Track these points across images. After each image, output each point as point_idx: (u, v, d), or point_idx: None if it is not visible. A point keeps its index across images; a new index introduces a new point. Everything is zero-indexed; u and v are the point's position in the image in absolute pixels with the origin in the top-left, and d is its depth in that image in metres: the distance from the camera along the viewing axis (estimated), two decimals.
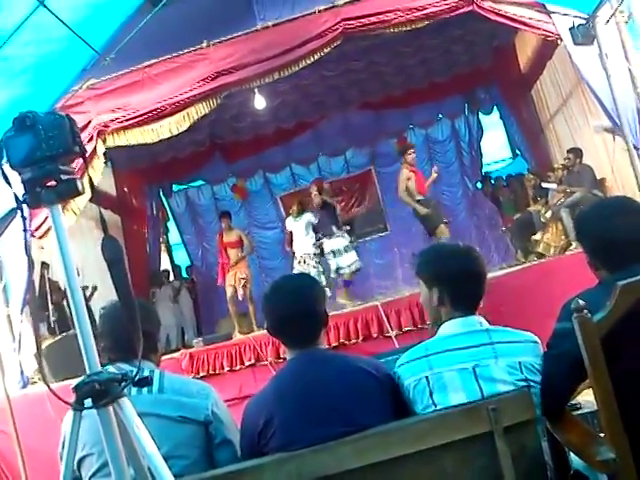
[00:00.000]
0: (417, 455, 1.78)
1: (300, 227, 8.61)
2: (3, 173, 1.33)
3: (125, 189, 11.13)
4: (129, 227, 10.68)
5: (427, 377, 1.94)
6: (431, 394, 1.92)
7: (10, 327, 6.94)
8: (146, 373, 2.03)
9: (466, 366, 1.91)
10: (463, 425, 1.79)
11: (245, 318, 8.61)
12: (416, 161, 8.29)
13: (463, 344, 1.94)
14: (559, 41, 6.59)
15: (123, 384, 1.37)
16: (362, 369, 1.99)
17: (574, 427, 1.87)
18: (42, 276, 8.12)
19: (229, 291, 8.65)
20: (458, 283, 2.01)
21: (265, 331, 6.86)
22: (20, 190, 1.35)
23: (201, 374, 6.53)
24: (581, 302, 1.53)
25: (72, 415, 1.37)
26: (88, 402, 1.36)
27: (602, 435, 1.78)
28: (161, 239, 12.46)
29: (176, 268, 12.12)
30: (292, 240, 8.76)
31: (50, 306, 8.01)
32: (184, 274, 11.78)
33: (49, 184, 1.36)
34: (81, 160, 1.48)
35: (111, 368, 1.97)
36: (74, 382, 1.39)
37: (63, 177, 1.35)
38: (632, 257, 1.79)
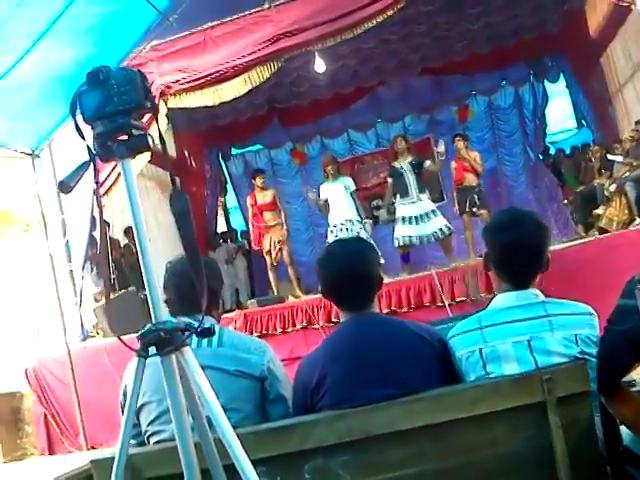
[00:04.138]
0: (468, 420, 1.79)
1: (338, 191, 7.90)
2: (77, 126, 1.37)
3: (185, 151, 11.31)
4: (188, 189, 10.85)
5: (481, 349, 1.93)
6: (484, 365, 1.92)
7: (72, 282, 7.21)
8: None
9: (521, 339, 1.88)
10: (516, 394, 1.78)
11: (290, 283, 8.37)
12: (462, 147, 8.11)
13: (518, 317, 1.91)
14: (632, 6, 6.30)
15: (187, 333, 1.42)
16: (415, 333, 2.00)
17: (629, 402, 1.85)
18: (104, 234, 8.38)
19: (268, 258, 8.29)
20: (504, 257, 1.96)
21: (317, 295, 6.87)
22: (92, 143, 1.39)
23: (254, 334, 6.68)
24: None
25: (136, 362, 1.43)
26: (152, 350, 1.41)
27: None
28: (219, 202, 12.63)
29: (232, 231, 12.30)
30: (328, 208, 7.95)
31: (111, 263, 8.28)
32: (239, 237, 11.95)
33: (120, 138, 1.39)
34: (150, 116, 1.51)
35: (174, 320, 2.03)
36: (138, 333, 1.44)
37: (135, 132, 1.38)
38: None
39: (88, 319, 7.41)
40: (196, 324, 1.48)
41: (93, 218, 7.39)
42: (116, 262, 8.43)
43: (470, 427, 1.80)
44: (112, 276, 8.16)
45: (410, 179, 7.62)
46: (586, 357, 1.86)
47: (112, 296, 7.37)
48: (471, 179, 8.07)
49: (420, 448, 1.82)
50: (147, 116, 1.49)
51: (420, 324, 2.15)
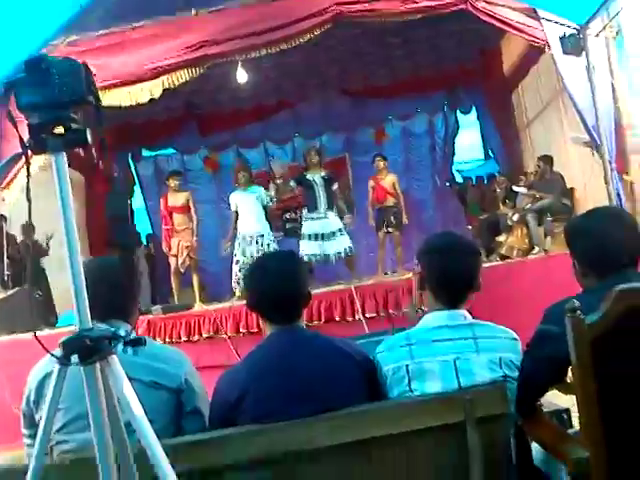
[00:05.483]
0: (390, 438, 1.78)
1: (249, 201, 7.86)
2: (9, 114, 1.28)
3: (92, 149, 10.83)
4: (93, 189, 10.42)
5: (407, 365, 1.95)
6: (409, 382, 1.94)
7: None
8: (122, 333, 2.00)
9: (447, 358, 1.92)
10: (438, 412, 1.80)
11: (192, 291, 8.16)
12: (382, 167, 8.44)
13: (446, 336, 1.95)
14: (547, 48, 6.65)
15: (114, 342, 1.34)
16: (341, 350, 1.99)
17: (545, 425, 1.92)
18: (0, 228, 7.95)
19: (172, 262, 8.08)
20: (442, 280, 2.02)
21: (224, 304, 6.77)
22: (25, 135, 1.30)
23: (157, 342, 6.48)
24: (576, 303, 1.56)
25: (57, 370, 1.34)
26: (75, 358, 1.33)
27: (569, 433, 1.84)
28: None
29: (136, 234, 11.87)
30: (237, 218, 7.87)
31: (5, 260, 7.86)
32: (143, 241, 11.55)
33: (57, 131, 1.31)
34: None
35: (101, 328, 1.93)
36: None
37: (73, 126, 1.30)
38: (623, 264, 1.85)
39: None
40: (115, 331, 1.41)
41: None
42: (11, 258, 7.99)
43: (392, 444, 1.80)
44: (6, 273, 7.76)
45: (320, 193, 7.71)
46: (508, 380, 1.92)
47: (4, 294, 6.98)
48: (390, 200, 8.36)
49: (340, 465, 1.80)
50: None
51: (346, 340, 2.15)
